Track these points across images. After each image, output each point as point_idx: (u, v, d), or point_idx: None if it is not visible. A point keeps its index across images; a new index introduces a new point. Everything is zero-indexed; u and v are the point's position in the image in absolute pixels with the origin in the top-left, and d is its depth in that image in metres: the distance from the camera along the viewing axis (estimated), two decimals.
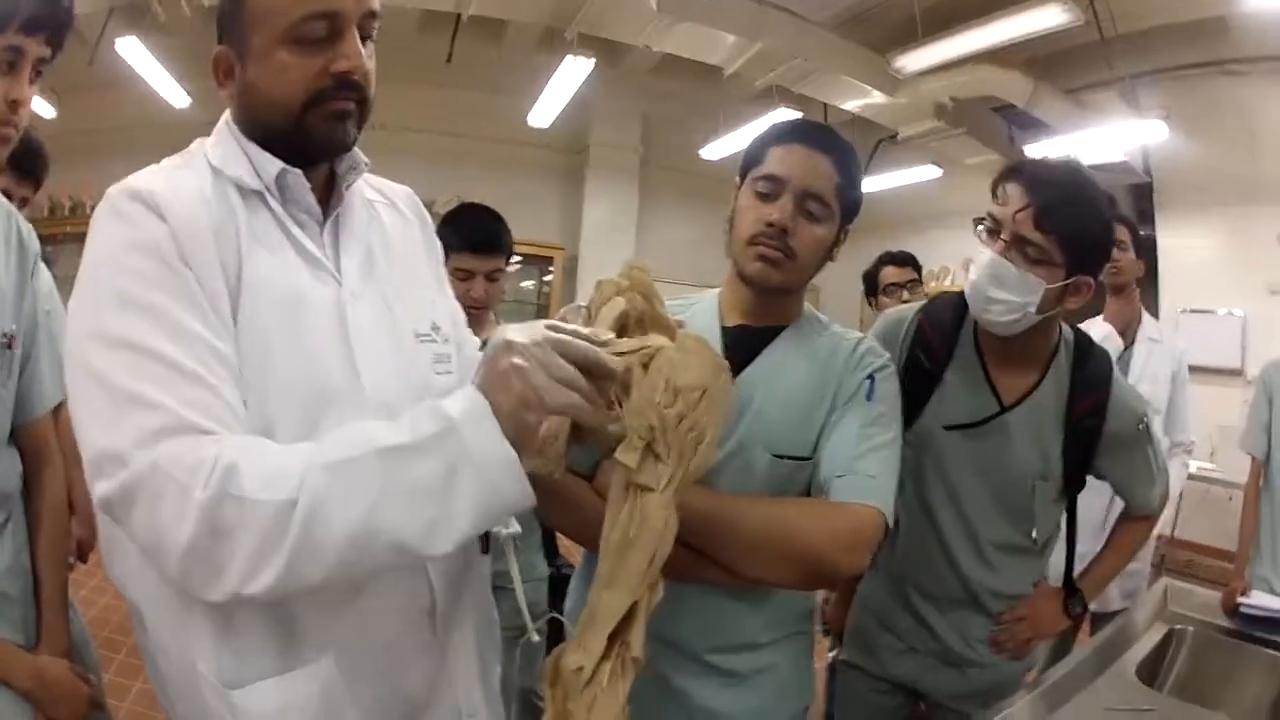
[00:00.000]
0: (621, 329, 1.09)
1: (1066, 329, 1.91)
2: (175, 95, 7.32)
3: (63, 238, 8.03)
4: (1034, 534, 1.90)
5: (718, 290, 1.67)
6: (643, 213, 9.84)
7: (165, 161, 1.13)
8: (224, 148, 1.14)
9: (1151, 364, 3.29)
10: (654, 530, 1.01)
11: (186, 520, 0.89)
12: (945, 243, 9.62)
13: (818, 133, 1.54)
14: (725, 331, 1.59)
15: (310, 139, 1.11)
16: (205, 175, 1.11)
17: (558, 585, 2.18)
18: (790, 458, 1.50)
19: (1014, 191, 1.68)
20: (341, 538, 0.91)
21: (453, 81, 7.98)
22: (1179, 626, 2.26)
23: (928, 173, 8.34)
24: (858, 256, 11.31)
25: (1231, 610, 2.34)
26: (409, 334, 1.23)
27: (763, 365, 1.56)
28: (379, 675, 1.14)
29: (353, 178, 1.22)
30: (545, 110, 7.95)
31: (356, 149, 1.19)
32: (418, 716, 1.20)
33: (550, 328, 0.99)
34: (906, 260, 4.06)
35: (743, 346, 1.55)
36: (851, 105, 7.35)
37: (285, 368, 1.07)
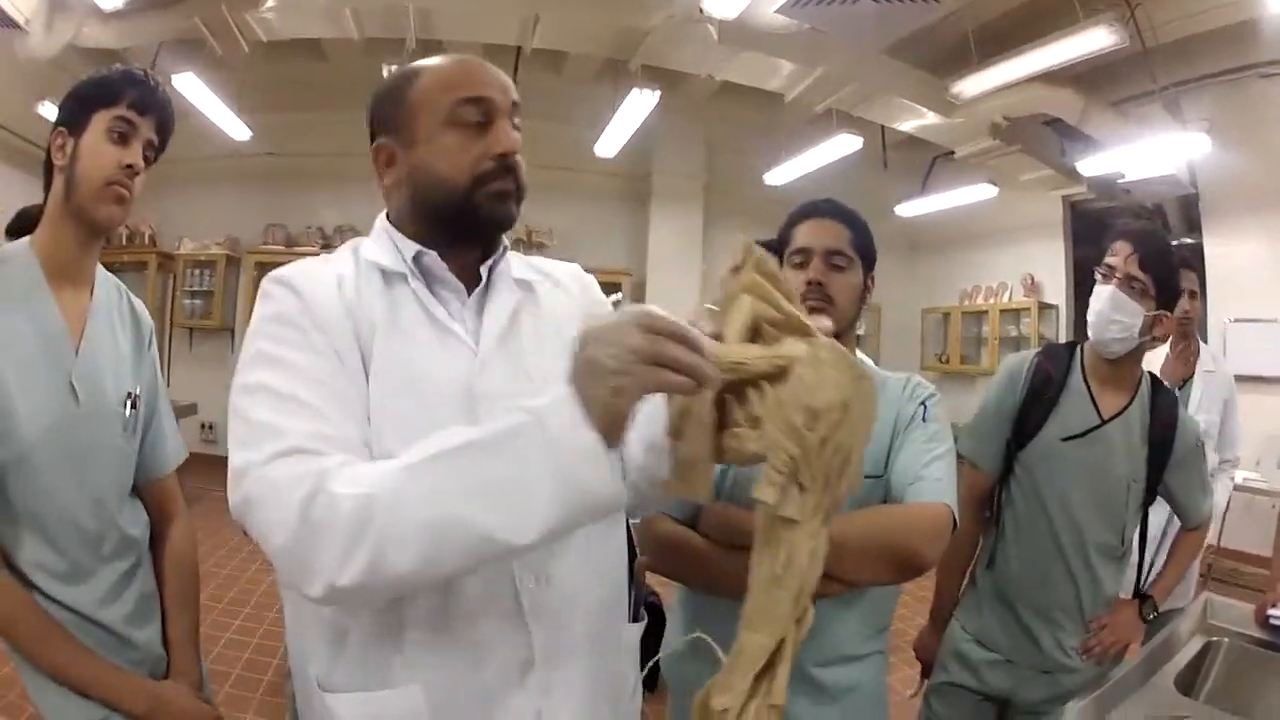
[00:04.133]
0: (754, 333, 1.02)
1: (1146, 373, 2.35)
2: (235, 129, 7.52)
3: (120, 266, 8.17)
4: (1124, 536, 2.28)
5: None
6: (707, 237, 9.86)
7: (295, 264, 1.27)
8: (375, 240, 1.30)
9: (1209, 394, 3.55)
10: (800, 566, 0.96)
11: (288, 519, 0.99)
12: (1002, 259, 9.62)
13: (827, 206, 1.86)
14: None
15: (478, 216, 1.23)
16: (349, 264, 1.27)
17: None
18: (870, 477, 1.72)
19: (1121, 246, 2.21)
20: (421, 527, 0.96)
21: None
22: (1215, 639, 2.35)
23: (984, 191, 8.32)
24: (916, 277, 11.28)
25: (1263, 621, 2.43)
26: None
27: None
28: (465, 715, 1.17)
29: (496, 255, 1.31)
30: (612, 140, 8.09)
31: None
32: None
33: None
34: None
35: None
36: (908, 126, 7.43)
37: (409, 429, 1.12)
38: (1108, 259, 2.24)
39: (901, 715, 2.75)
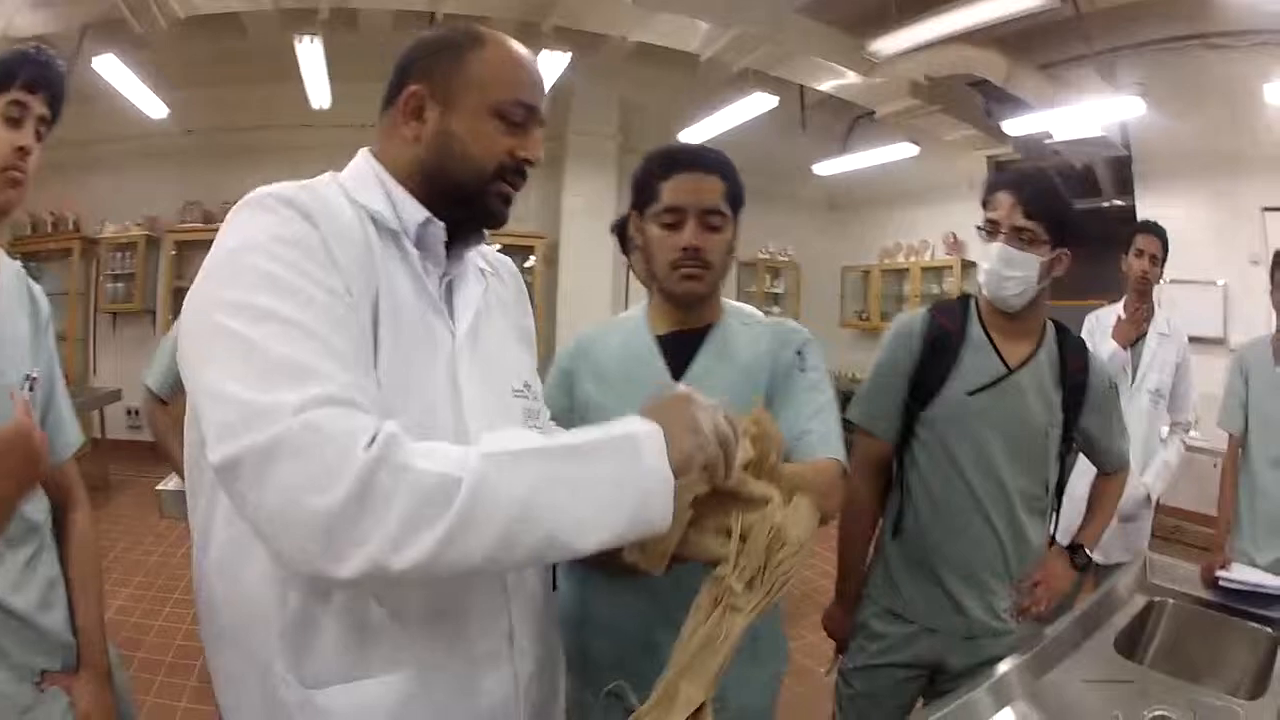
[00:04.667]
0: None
1: (1049, 319, 2.28)
2: (153, 107, 7.29)
3: (46, 255, 8.14)
4: (1047, 485, 2.21)
5: (641, 306, 1.89)
6: (621, 198, 9.49)
7: (289, 183, 1.14)
8: (363, 183, 1.21)
9: (1160, 355, 3.66)
10: (733, 644, 1.11)
11: (342, 479, 0.87)
12: (924, 217, 9.69)
13: (701, 157, 1.74)
14: (659, 340, 1.81)
15: (485, 206, 1.25)
16: (343, 200, 1.16)
17: None
18: None
19: (1003, 197, 2.12)
20: (503, 520, 0.92)
21: None
22: (1159, 599, 2.34)
23: (905, 150, 8.34)
24: (836, 236, 11.34)
25: (1211, 583, 2.43)
26: (507, 389, 1.32)
27: (704, 360, 1.79)
28: (453, 696, 1.17)
29: (474, 244, 1.33)
30: None
31: None
32: None
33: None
34: None
35: (680, 350, 1.80)
36: (827, 86, 7.37)
37: (406, 398, 1.10)
38: (989, 214, 2.16)
39: (819, 692, 2.71)
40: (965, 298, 2.32)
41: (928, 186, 9.40)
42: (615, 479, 0.98)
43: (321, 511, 0.88)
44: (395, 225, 1.19)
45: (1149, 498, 3.63)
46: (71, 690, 1.57)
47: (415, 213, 1.21)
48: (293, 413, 0.90)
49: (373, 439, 0.90)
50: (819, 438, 1.68)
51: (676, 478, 1.01)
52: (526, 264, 9.57)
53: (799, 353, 1.79)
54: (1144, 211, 6.87)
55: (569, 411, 1.79)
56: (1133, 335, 3.61)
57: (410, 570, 0.90)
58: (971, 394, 2.17)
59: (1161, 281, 3.66)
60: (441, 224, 1.22)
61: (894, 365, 2.25)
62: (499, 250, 1.52)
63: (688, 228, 1.69)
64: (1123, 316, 3.64)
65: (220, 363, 0.96)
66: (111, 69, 6.38)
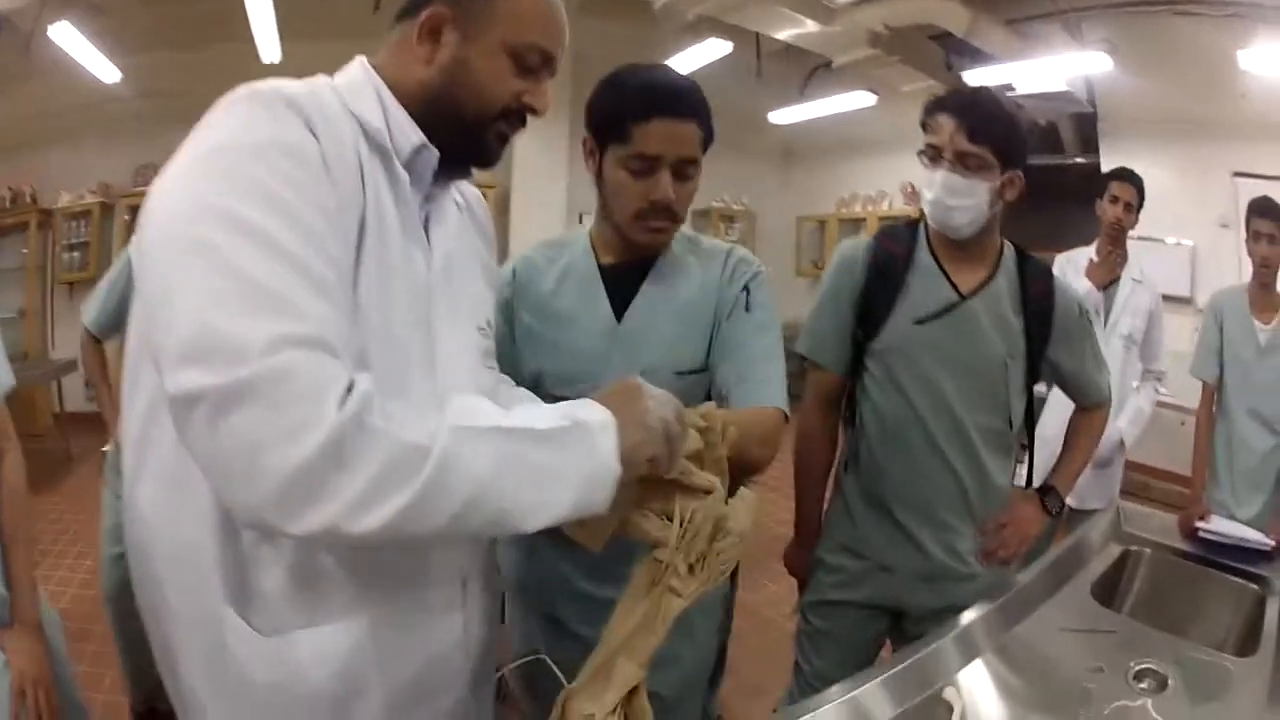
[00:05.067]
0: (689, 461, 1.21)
1: (1007, 242, 2.15)
2: (107, 72, 7.02)
3: (4, 230, 8.00)
4: (1010, 420, 2.10)
5: (587, 230, 1.79)
6: (574, 148, 9.60)
7: (290, 81, 1.05)
8: (359, 94, 1.14)
9: (1133, 300, 3.60)
10: (668, 627, 1.14)
11: (311, 434, 0.82)
12: (881, 168, 9.66)
13: (675, 99, 1.58)
14: (603, 270, 1.73)
15: (480, 144, 1.21)
16: (340, 108, 1.08)
17: None
18: (690, 372, 1.67)
19: (945, 120, 1.97)
20: (464, 495, 0.90)
21: (377, 31, 7.66)
22: (1135, 548, 2.29)
23: (862, 100, 8.28)
24: (792, 186, 11.32)
25: (1190, 534, 2.38)
26: (473, 326, 1.30)
27: (648, 294, 1.72)
28: (407, 642, 1.18)
29: (460, 177, 1.30)
30: None
31: None
32: (438, 692, 1.26)
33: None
34: None
35: (624, 282, 1.73)
36: (784, 34, 7.21)
37: (381, 328, 1.06)
38: (930, 138, 2.00)
39: (782, 635, 2.65)
40: (914, 222, 2.19)
41: (885, 137, 9.27)
42: (568, 467, 0.99)
43: (284, 468, 0.82)
44: (387, 144, 1.12)
45: (1123, 443, 3.61)
46: (4, 645, 1.56)
47: (412, 135, 1.15)
48: (262, 352, 0.82)
49: (346, 392, 0.85)
50: (760, 384, 1.63)
51: (622, 469, 1.02)
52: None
53: (746, 288, 1.71)
54: (1109, 168, 6.83)
55: (510, 341, 1.73)
56: (1106, 278, 3.59)
57: (368, 535, 0.86)
58: (920, 322, 2.06)
59: (1131, 234, 3.62)
60: (436, 152, 1.17)
61: (837, 293, 2.15)
62: None
63: (661, 179, 1.57)
64: (1095, 260, 3.63)
65: (191, 277, 0.86)
66: (67, 36, 6.20)
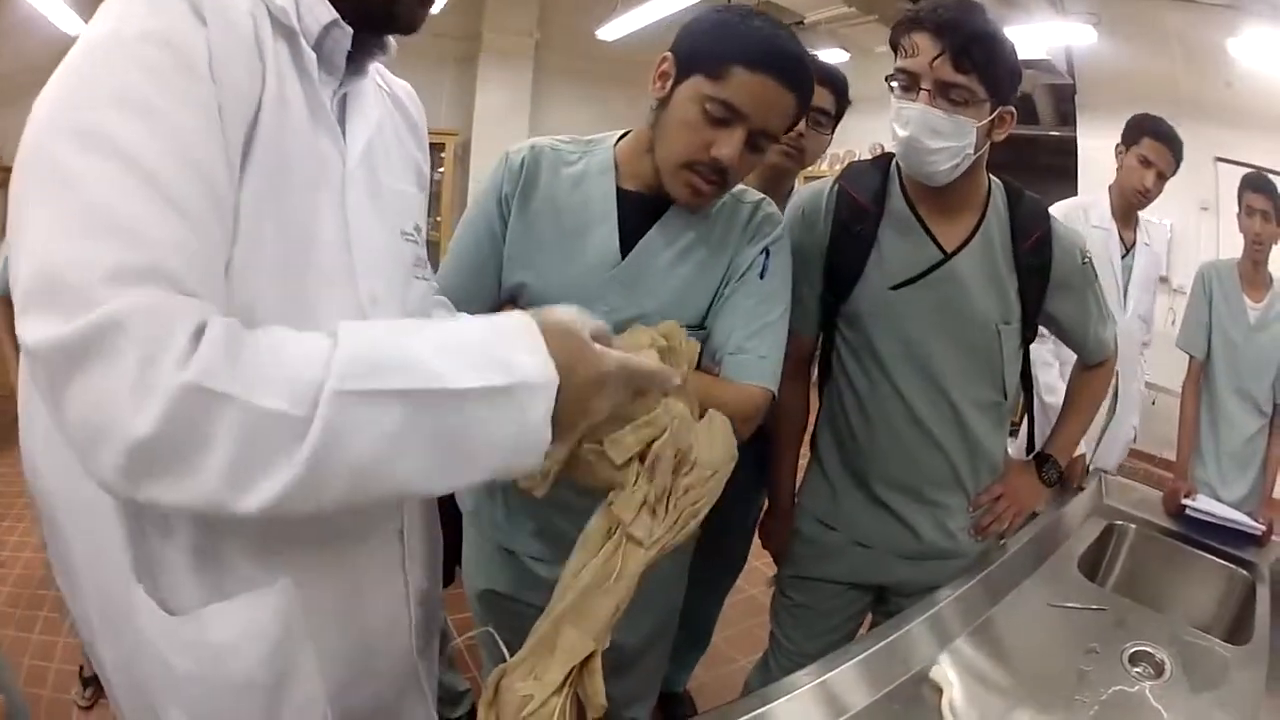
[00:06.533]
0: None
1: (995, 180, 1.85)
2: (70, 24, 6.54)
3: None
4: (1004, 386, 1.87)
5: (612, 145, 1.60)
6: (537, 96, 9.53)
7: None
8: None
9: (1145, 270, 3.24)
10: (630, 583, 1.00)
11: (148, 402, 0.71)
12: (853, 127, 9.55)
13: (791, 68, 1.39)
14: (622, 196, 1.55)
15: (398, 5, 1.04)
16: None
17: None
18: (688, 328, 1.46)
19: (923, 41, 1.60)
20: (354, 473, 0.79)
21: None
22: (1119, 523, 2.21)
23: (834, 57, 8.11)
24: None
25: (1176, 511, 2.30)
26: (396, 230, 1.15)
27: (661, 232, 1.55)
28: (340, 611, 1.07)
29: (379, 56, 1.12)
30: None
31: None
32: (381, 661, 1.16)
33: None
34: None
35: (640, 213, 1.55)
36: None
37: (281, 235, 0.92)
38: (903, 62, 1.63)
39: (752, 605, 2.54)
40: (884, 160, 1.85)
41: (856, 96, 9.01)
42: (489, 434, 0.86)
43: (129, 436, 0.71)
44: (294, 23, 0.96)
45: (1135, 439, 3.40)
46: None
47: (322, 12, 0.98)
48: (106, 286, 0.71)
49: (193, 340, 0.73)
50: (753, 360, 1.52)
51: (554, 438, 0.89)
52: (438, 166, 9.30)
53: (765, 251, 1.57)
54: (1086, 142, 6.78)
55: (498, 241, 1.58)
56: (1130, 240, 3.21)
57: (255, 514, 0.76)
58: (896, 288, 1.80)
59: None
60: (349, 30, 1.01)
61: (799, 250, 1.77)
62: None
63: (734, 136, 1.39)
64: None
65: (37, 207, 0.77)
66: None
